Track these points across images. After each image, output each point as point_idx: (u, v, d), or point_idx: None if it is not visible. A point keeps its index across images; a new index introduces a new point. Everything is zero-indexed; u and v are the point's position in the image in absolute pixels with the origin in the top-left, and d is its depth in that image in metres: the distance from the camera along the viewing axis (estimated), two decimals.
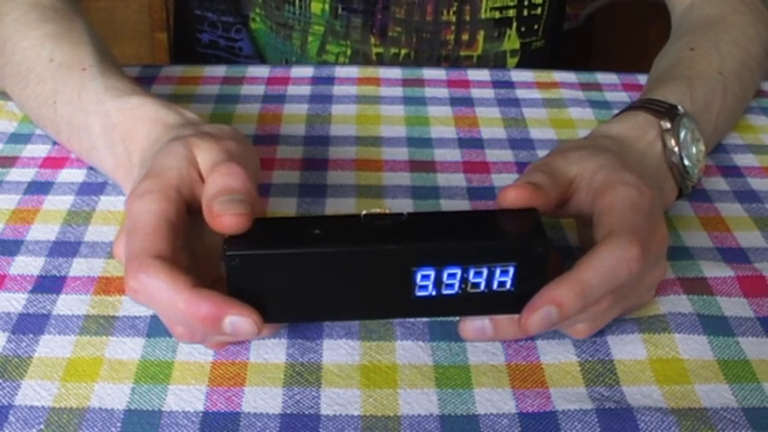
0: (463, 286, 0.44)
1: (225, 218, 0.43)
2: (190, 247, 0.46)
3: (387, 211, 0.45)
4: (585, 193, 0.48)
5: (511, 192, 0.46)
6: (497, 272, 0.44)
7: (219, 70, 0.76)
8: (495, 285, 0.44)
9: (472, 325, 0.47)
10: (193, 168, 0.47)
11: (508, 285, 0.44)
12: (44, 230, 0.56)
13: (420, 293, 0.44)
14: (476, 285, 0.44)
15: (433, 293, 0.44)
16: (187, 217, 0.46)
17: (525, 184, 0.46)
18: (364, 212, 0.44)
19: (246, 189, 0.45)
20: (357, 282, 0.44)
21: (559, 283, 0.43)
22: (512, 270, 0.44)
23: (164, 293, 0.42)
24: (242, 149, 0.49)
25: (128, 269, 0.43)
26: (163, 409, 0.44)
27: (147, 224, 0.44)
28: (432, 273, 0.44)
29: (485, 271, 0.44)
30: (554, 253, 0.45)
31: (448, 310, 0.46)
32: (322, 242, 0.43)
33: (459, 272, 0.44)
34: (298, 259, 0.43)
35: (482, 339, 0.48)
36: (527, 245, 0.44)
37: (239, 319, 0.42)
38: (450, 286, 0.44)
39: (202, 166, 0.47)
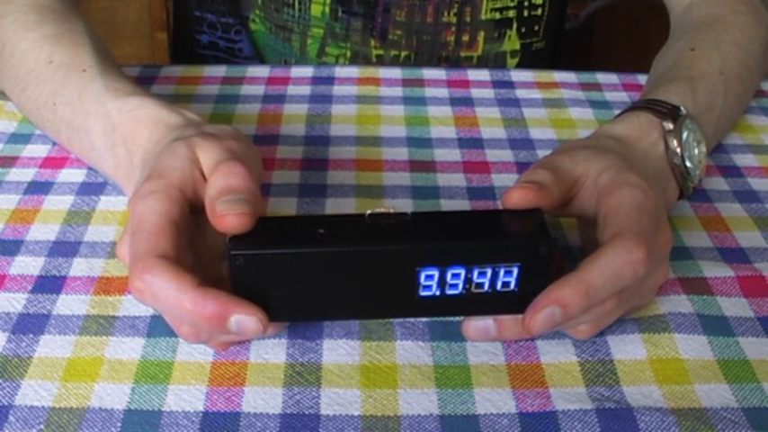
0: (467, 286, 0.44)
1: (228, 218, 0.43)
2: (193, 247, 0.47)
3: (391, 210, 0.45)
4: (590, 194, 0.48)
5: (515, 193, 0.46)
6: (501, 272, 0.44)
7: (219, 70, 0.77)
8: (499, 285, 0.44)
9: (476, 325, 0.47)
10: (196, 168, 0.47)
11: (512, 285, 0.44)
12: (44, 230, 0.56)
13: (424, 293, 0.44)
14: (480, 285, 0.44)
15: (437, 293, 0.44)
16: (190, 217, 0.46)
17: (529, 184, 0.46)
18: (369, 212, 0.44)
19: (249, 188, 0.45)
20: (361, 281, 0.44)
21: (564, 283, 0.43)
22: (516, 270, 0.44)
23: (169, 293, 0.42)
24: (244, 149, 0.49)
25: (132, 269, 0.43)
26: (163, 409, 0.44)
27: (151, 225, 0.44)
28: (436, 273, 0.44)
29: (489, 271, 0.44)
30: (556, 252, 0.45)
31: (452, 310, 0.46)
32: (326, 242, 0.43)
33: (463, 272, 0.44)
34: (302, 259, 0.43)
35: (486, 339, 0.48)
36: (531, 245, 0.44)
37: (245, 318, 0.43)
38: (455, 286, 0.44)
39: (205, 165, 0.47)
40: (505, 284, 0.44)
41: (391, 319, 0.50)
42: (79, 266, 0.53)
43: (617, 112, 0.61)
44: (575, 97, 0.73)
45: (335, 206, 0.59)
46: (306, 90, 0.74)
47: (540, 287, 0.44)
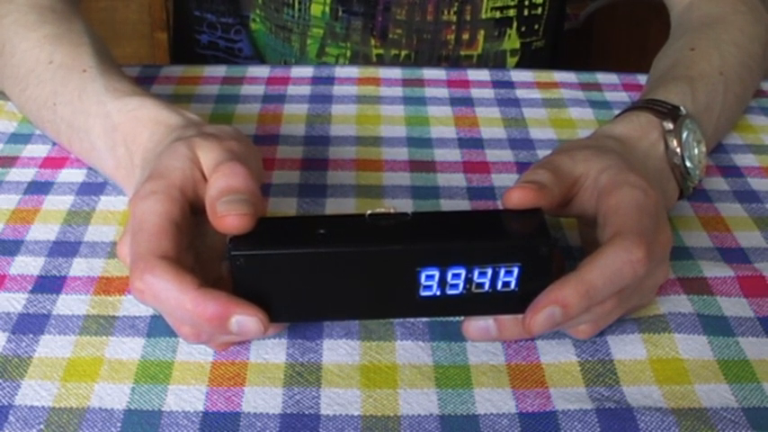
0: (468, 286, 0.44)
1: (228, 218, 0.43)
2: (193, 247, 0.47)
3: (392, 210, 0.45)
4: (590, 193, 0.48)
5: (515, 193, 0.46)
6: (502, 272, 0.44)
7: (219, 70, 0.77)
8: (499, 285, 0.44)
9: (476, 325, 0.47)
10: (196, 168, 0.47)
11: (512, 285, 0.44)
12: (44, 230, 0.56)
13: (424, 293, 0.44)
14: (480, 285, 0.44)
15: (438, 293, 0.44)
16: (191, 217, 0.46)
17: (529, 184, 0.46)
18: (369, 212, 0.44)
19: (249, 188, 0.45)
20: (362, 282, 0.44)
21: (564, 283, 0.43)
22: (516, 270, 0.44)
23: (170, 293, 0.42)
24: (244, 149, 0.49)
25: (133, 270, 0.43)
26: (163, 409, 0.44)
27: (152, 225, 0.44)
28: (436, 273, 0.44)
29: (489, 271, 0.44)
30: (556, 252, 0.45)
31: (452, 310, 0.46)
32: (327, 242, 0.43)
33: (463, 272, 0.44)
34: (302, 259, 0.43)
35: (486, 339, 0.48)
36: (532, 245, 0.44)
37: (246, 319, 0.43)
38: (455, 286, 0.44)
39: (205, 166, 0.47)
40: (506, 284, 0.44)
41: (391, 319, 0.50)
42: (79, 266, 0.53)
43: (617, 112, 0.61)
44: (575, 97, 0.73)
45: (335, 206, 0.59)
46: (306, 90, 0.74)
47: (541, 287, 0.44)
